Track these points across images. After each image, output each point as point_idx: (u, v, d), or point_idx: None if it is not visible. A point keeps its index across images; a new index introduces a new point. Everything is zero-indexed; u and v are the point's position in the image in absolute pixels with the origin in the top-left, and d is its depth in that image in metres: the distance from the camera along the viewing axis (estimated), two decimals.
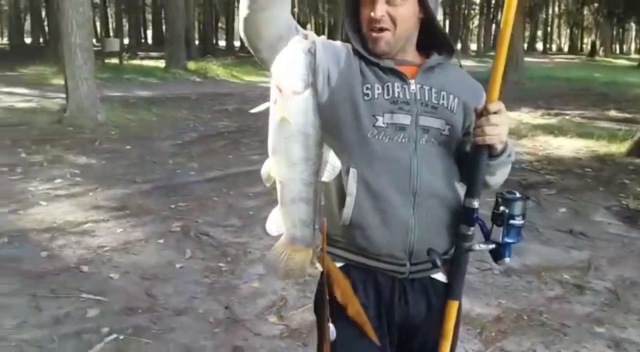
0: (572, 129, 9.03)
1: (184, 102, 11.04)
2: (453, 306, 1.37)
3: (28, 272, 3.43)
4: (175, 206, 4.78)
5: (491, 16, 40.23)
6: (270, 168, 1.08)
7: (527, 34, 46.61)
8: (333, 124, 1.36)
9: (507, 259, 1.31)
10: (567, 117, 10.54)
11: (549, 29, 54.07)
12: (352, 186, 1.34)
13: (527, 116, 10.49)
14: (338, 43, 1.41)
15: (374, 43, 1.34)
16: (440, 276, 1.43)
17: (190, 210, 4.69)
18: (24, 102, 10.07)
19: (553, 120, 10.09)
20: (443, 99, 1.37)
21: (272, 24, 1.20)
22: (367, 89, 1.34)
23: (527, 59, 18.05)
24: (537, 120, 10.10)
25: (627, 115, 10.76)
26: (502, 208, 1.28)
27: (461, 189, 1.39)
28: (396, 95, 1.34)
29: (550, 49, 53.57)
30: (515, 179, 5.82)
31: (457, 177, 1.40)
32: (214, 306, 3.12)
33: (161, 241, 4.01)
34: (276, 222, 1.13)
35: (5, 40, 40.06)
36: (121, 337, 2.77)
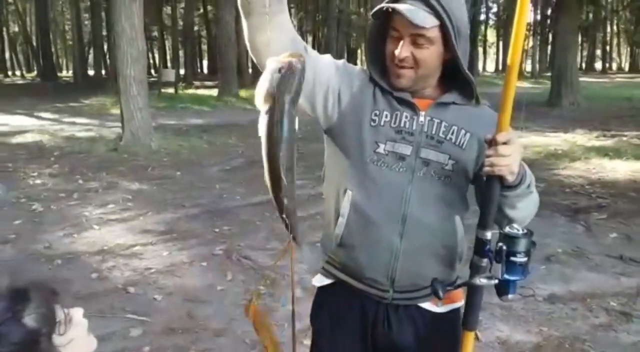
0: (628, 150, 8.68)
1: (235, 129, 11.33)
2: (468, 337, 1.36)
3: (78, 293, 3.59)
4: (219, 229, 4.90)
5: (545, 36, 39.46)
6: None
7: (584, 53, 45.41)
8: (339, 145, 1.42)
9: (510, 296, 1.27)
10: (625, 138, 10.15)
11: (607, 47, 52.43)
12: (345, 207, 1.40)
13: (581, 138, 10.17)
14: (357, 68, 1.45)
15: (396, 78, 1.35)
16: (427, 305, 1.44)
17: (234, 234, 4.80)
18: (84, 132, 10.61)
19: (609, 142, 9.73)
20: (452, 134, 1.36)
21: (270, 47, 1.24)
22: (376, 115, 1.37)
23: (585, 78, 17.60)
24: (592, 142, 9.77)
25: None
26: (500, 244, 1.24)
27: (461, 224, 1.40)
28: (402, 124, 1.36)
29: (610, 68, 51.87)
30: (565, 203, 5.66)
31: (460, 212, 1.41)
32: (251, 328, 3.16)
33: (204, 263, 4.12)
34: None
35: (70, 73, 42.41)
36: None
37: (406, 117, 1.36)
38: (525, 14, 1.20)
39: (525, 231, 1.24)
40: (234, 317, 3.30)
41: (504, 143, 1.19)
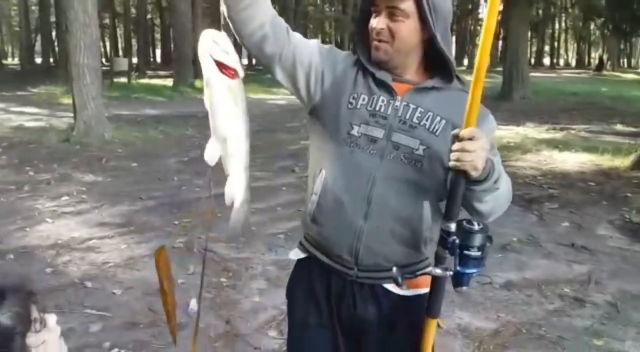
0: (577, 143, 9.04)
1: (191, 120, 11.14)
2: (431, 324, 1.38)
3: (33, 289, 3.48)
4: (179, 222, 4.83)
5: (498, 32, 40.43)
6: (213, 148, 1.22)
7: (534, 49, 46.73)
8: (319, 125, 1.48)
9: (464, 288, 1.28)
10: (573, 131, 10.55)
11: (556, 43, 54.13)
12: (318, 185, 1.46)
13: (532, 131, 10.51)
14: (343, 53, 1.51)
15: (375, 51, 1.40)
16: (392, 287, 1.46)
17: (194, 226, 4.74)
18: (33, 121, 10.23)
19: (558, 135, 10.10)
20: (427, 120, 1.39)
21: (248, 25, 1.35)
22: (354, 98, 1.42)
23: (534, 73, 18.14)
24: (542, 134, 10.12)
25: (633, 129, 10.75)
26: (453, 238, 1.25)
27: (430, 209, 1.41)
28: (377, 108, 1.40)
29: (558, 63, 53.58)
30: (518, 194, 5.82)
31: (429, 198, 1.42)
32: (215, 321, 3.16)
33: None
34: (230, 192, 1.27)
35: (16, 61, 40.71)
36: (123, 351, 2.81)
37: (382, 101, 1.40)
38: (495, 14, 1.23)
39: (481, 226, 1.26)
40: (195, 310, 3.26)
41: (469, 139, 1.21)
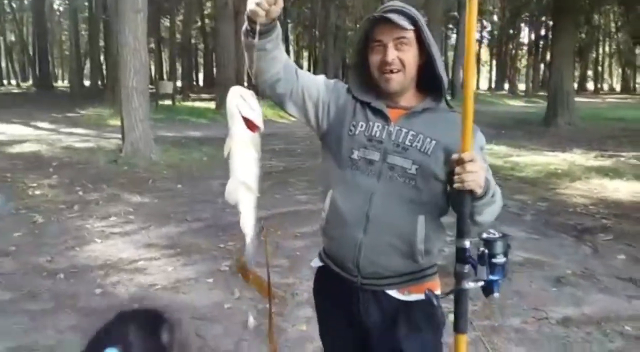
0: (628, 171, 8.72)
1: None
2: (461, 340, 1.46)
3: (83, 309, 3.52)
4: (224, 245, 4.84)
5: (539, 56, 39.89)
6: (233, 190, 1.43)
7: (577, 73, 45.90)
8: (327, 151, 1.68)
9: (495, 295, 1.41)
10: (622, 158, 10.21)
11: (599, 68, 53.04)
12: (327, 203, 1.66)
13: (580, 158, 10.22)
14: (346, 86, 1.70)
15: (387, 83, 1.58)
16: (394, 293, 1.64)
17: (239, 249, 4.73)
18: (82, 142, 10.52)
19: (607, 162, 9.78)
20: (418, 142, 1.56)
21: (263, 75, 1.57)
22: (353, 126, 1.62)
23: (578, 99, 17.70)
24: (591, 162, 9.81)
25: None
26: (482, 249, 1.40)
27: (425, 223, 1.56)
28: (373, 133, 1.59)
29: (602, 88, 52.40)
30: (570, 223, 5.64)
31: (428, 212, 1.58)
32: (262, 349, 3.11)
33: (210, 280, 4.05)
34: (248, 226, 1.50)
35: (66, 83, 42.26)
36: None
37: (378, 126, 1.59)
38: (473, 34, 1.41)
39: (500, 234, 1.42)
40: (243, 338, 3.23)
41: (470, 161, 1.36)
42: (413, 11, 1.57)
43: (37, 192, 6.60)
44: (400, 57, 1.54)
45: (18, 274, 4.07)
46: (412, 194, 1.56)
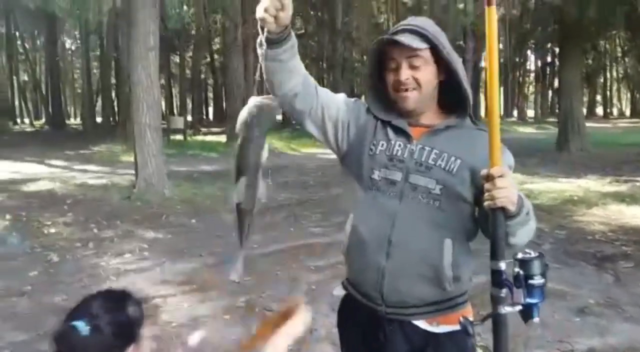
0: None
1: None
2: None
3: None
4: (239, 280, 4.78)
5: (547, 83, 40.05)
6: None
7: (585, 99, 45.92)
8: (347, 172, 1.63)
9: (535, 320, 1.31)
10: (638, 183, 10.08)
11: (608, 93, 53.04)
12: (347, 227, 1.60)
13: (594, 184, 10.11)
14: (366, 105, 1.64)
15: (403, 102, 1.53)
16: (422, 324, 1.53)
17: (254, 284, 4.68)
18: (95, 179, 10.59)
19: (623, 188, 9.66)
20: (442, 160, 1.49)
21: (282, 88, 1.52)
22: (373, 145, 1.56)
23: (588, 124, 17.63)
24: (606, 187, 9.70)
25: None
26: (517, 270, 1.31)
27: (453, 247, 1.47)
28: (394, 152, 1.53)
29: (611, 113, 52.29)
30: (590, 251, 5.55)
31: (455, 235, 1.49)
32: None
33: (227, 316, 4.01)
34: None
35: (78, 120, 42.86)
36: None
37: (399, 145, 1.53)
38: (495, 45, 1.33)
39: (537, 253, 1.32)
40: None
41: (500, 176, 1.29)
42: (429, 28, 1.51)
43: (52, 230, 6.62)
44: (415, 76, 1.49)
45: (33, 314, 4.04)
46: (437, 216, 1.48)
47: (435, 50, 1.49)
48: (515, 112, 42.65)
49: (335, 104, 1.60)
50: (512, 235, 1.38)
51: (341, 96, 1.65)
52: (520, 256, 1.32)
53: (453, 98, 1.55)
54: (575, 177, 10.64)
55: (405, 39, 1.47)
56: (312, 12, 34.23)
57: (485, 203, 1.31)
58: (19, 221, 7.02)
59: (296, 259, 5.41)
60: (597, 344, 3.52)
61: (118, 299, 1.28)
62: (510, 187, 1.29)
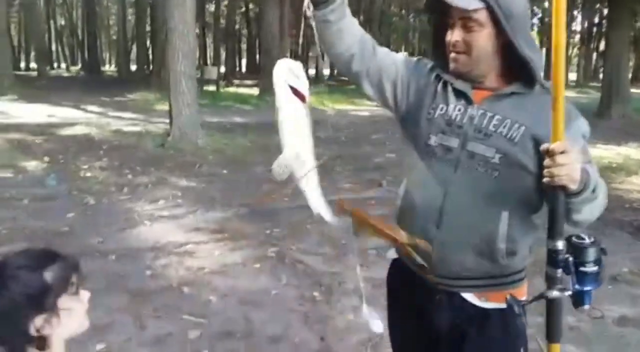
0: None
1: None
2: (554, 349, 1.32)
3: (133, 290, 3.58)
4: (270, 231, 4.85)
5: (592, 46, 38.51)
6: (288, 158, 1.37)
7: (631, 63, 44.08)
8: (405, 135, 1.55)
9: (586, 307, 1.23)
10: None
11: None
12: (401, 191, 1.57)
13: (635, 151, 9.82)
14: (429, 65, 1.54)
15: (452, 63, 1.42)
16: (470, 297, 1.46)
17: (285, 236, 4.74)
18: (130, 126, 10.73)
19: None
20: (504, 127, 1.37)
21: (335, 47, 1.49)
22: (432, 108, 1.46)
23: (633, 90, 16.99)
24: None
25: None
26: (567, 256, 1.22)
27: (509, 220, 1.38)
28: (453, 117, 1.42)
29: None
30: (627, 220, 5.42)
31: (509, 208, 1.38)
32: (309, 336, 3.11)
33: (257, 265, 4.07)
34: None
35: (113, 68, 43.23)
36: None
37: (459, 110, 1.42)
38: (563, 17, 1.20)
39: (592, 239, 1.23)
40: (290, 324, 3.23)
41: (562, 152, 1.17)
42: None
43: (89, 174, 6.77)
44: (466, 39, 1.36)
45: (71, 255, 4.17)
46: (495, 187, 1.37)
47: (491, 9, 1.33)
48: None
49: (394, 65, 1.52)
50: (576, 212, 1.28)
51: (401, 56, 1.56)
52: (573, 240, 1.23)
53: (519, 62, 1.39)
54: (615, 144, 10.34)
55: None
56: None
57: (544, 180, 1.21)
58: (57, 164, 7.20)
59: None
60: (629, 312, 3.47)
61: (39, 260, 1.10)
62: (573, 163, 1.18)
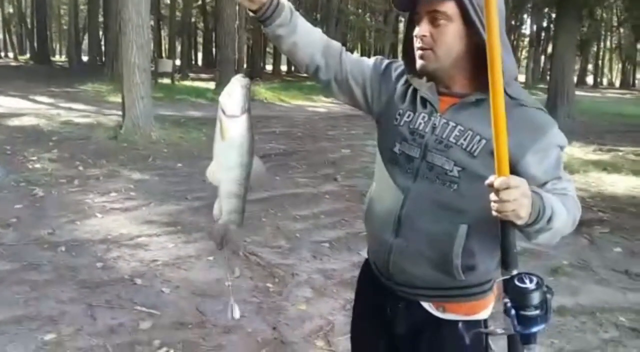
0: (626, 166, 8.77)
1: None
2: None
3: (84, 282, 3.54)
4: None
5: (540, 48, 39.79)
6: (213, 171, 1.33)
7: (577, 66, 45.84)
8: (378, 137, 1.51)
9: (532, 346, 1.12)
10: (621, 153, 10.26)
11: (600, 62, 52.96)
12: (367, 198, 1.55)
13: (578, 151, 10.25)
14: (399, 69, 1.47)
15: (419, 60, 1.33)
16: (429, 307, 1.42)
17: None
18: (81, 118, 10.47)
19: (606, 156, 9.83)
20: (464, 139, 1.29)
21: (298, 61, 1.45)
22: (399, 115, 1.41)
23: (577, 92, 17.68)
24: (589, 155, 9.86)
25: None
26: (505, 300, 1.11)
27: (468, 234, 1.30)
28: (416, 126, 1.37)
29: (601, 83, 52.39)
30: None
31: (468, 221, 1.30)
32: (262, 326, 3.15)
33: (211, 258, 4.08)
34: (218, 209, 1.39)
35: (63, 58, 41.88)
36: (172, 351, 2.82)
37: (423, 118, 1.36)
38: (495, 26, 1.11)
39: (535, 281, 1.11)
40: (243, 314, 3.25)
41: (505, 188, 1.09)
42: None
43: (37, 165, 6.59)
44: (433, 34, 1.28)
45: (19, 246, 4.08)
46: (453, 200, 1.31)
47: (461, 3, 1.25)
48: None
49: (363, 71, 1.46)
50: (533, 238, 1.22)
51: (371, 60, 1.50)
52: (515, 283, 1.11)
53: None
54: None
55: None
56: None
57: (493, 212, 1.13)
58: (4, 155, 6.98)
59: (281, 207, 5.48)
60: (568, 302, 3.65)
61: None
62: (518, 199, 1.09)
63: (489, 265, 1.38)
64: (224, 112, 1.27)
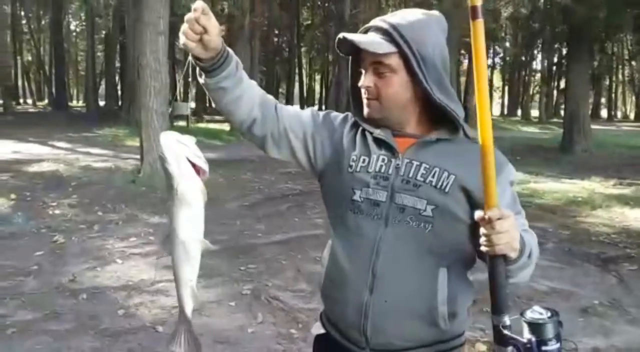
0: None
1: (249, 165, 11.32)
2: None
3: (106, 330, 3.50)
4: (245, 268, 4.81)
5: (552, 83, 39.93)
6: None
7: (590, 100, 45.80)
8: (325, 193, 1.41)
9: None
10: None
11: (613, 95, 52.90)
12: (325, 257, 1.39)
13: (598, 185, 10.12)
14: (341, 115, 1.44)
15: (366, 109, 1.32)
16: None
17: (260, 273, 4.71)
18: (100, 162, 10.60)
19: (627, 191, 9.67)
20: (432, 176, 1.26)
21: (236, 115, 1.35)
22: (353, 161, 1.32)
23: (592, 126, 17.62)
24: (610, 190, 9.72)
25: None
26: (528, 337, 1.08)
27: (448, 277, 1.26)
28: (377, 169, 1.30)
29: (616, 116, 52.19)
30: (594, 252, 5.56)
31: (447, 264, 1.27)
32: None
33: (232, 303, 4.02)
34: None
35: (80, 103, 42.78)
36: None
37: (383, 160, 1.30)
38: (484, 70, 1.15)
39: (549, 313, 1.11)
40: None
41: (499, 219, 1.09)
42: (406, 28, 1.25)
43: (57, 211, 6.63)
44: (378, 85, 1.28)
45: (40, 294, 4.06)
46: (430, 242, 1.25)
47: (404, 55, 1.25)
48: (519, 111, 42.58)
49: (300, 122, 1.39)
50: (511, 277, 1.19)
51: (308, 111, 1.43)
52: (529, 316, 1.10)
53: (440, 109, 1.31)
54: (578, 179, 10.65)
55: (366, 40, 1.27)
56: (319, 3, 34.12)
57: (483, 249, 1.12)
58: (24, 201, 7.04)
59: (301, 249, 5.42)
60: (601, 344, 3.53)
61: None
62: (511, 230, 1.10)
63: (464, 312, 1.33)
64: (202, 172, 1.22)
